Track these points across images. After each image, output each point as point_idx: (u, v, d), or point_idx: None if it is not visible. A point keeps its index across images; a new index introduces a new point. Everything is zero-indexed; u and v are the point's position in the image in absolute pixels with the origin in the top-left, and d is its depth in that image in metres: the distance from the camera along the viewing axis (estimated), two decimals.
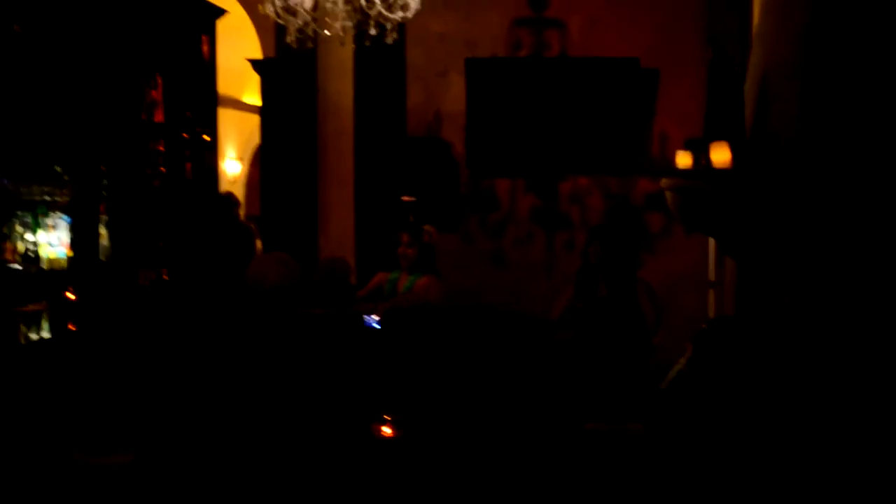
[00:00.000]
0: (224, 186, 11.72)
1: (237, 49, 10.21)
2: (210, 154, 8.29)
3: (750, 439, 3.99)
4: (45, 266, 7.18)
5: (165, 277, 7.57)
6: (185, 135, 7.81)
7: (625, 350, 6.36)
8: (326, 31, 6.53)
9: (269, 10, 6.46)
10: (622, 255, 6.96)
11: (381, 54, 8.24)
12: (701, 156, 5.57)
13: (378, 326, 6.21)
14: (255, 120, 11.67)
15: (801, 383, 4.22)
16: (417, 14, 6.58)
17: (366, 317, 6.35)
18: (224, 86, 8.98)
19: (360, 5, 6.33)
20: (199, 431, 4.80)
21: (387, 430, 4.40)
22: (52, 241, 7.25)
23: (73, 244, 7.35)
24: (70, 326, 6.29)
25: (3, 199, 7.22)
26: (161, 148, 7.67)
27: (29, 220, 7.26)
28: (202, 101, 8.15)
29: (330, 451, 4.49)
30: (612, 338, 6.45)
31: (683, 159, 5.79)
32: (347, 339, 5.38)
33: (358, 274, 9.12)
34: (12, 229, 7.29)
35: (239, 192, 13.80)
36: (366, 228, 9.48)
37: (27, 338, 6.07)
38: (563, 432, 4.52)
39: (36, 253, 7.17)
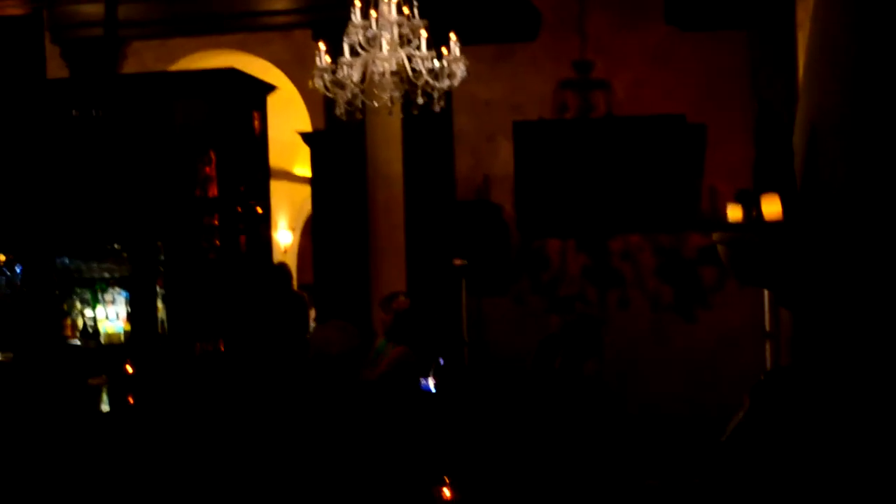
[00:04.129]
0: (277, 256, 11.85)
1: (287, 122, 10.39)
2: (263, 226, 8.40)
3: (809, 494, 3.94)
4: (103, 340, 7.30)
5: (222, 348, 7.64)
6: (238, 208, 7.92)
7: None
8: (375, 102, 6.64)
9: (319, 84, 6.59)
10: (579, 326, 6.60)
11: (428, 122, 8.33)
12: (752, 208, 5.57)
13: (434, 390, 6.22)
14: (306, 190, 11.82)
15: (861, 435, 4.16)
16: (463, 82, 6.68)
17: (422, 380, 6.37)
18: (275, 158, 9.12)
19: (408, 76, 6.45)
20: (259, 498, 4.82)
21: (446, 492, 4.39)
22: (111, 316, 7.39)
23: (131, 318, 7.47)
24: (129, 399, 6.37)
25: (63, 277, 7.38)
26: (216, 222, 7.78)
27: (88, 296, 7.42)
28: (255, 174, 8.27)
29: None
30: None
31: (734, 212, 5.78)
32: (405, 402, 5.40)
33: None
34: (72, 306, 7.45)
35: (291, 262, 13.95)
36: (418, 294, 9.52)
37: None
38: (624, 489, 4.49)
39: (95, 328, 7.30)
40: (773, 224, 5.39)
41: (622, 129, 9.62)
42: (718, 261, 6.21)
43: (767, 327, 7.72)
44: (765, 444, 4.15)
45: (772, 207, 5.42)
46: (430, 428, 5.16)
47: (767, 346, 7.73)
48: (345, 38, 6.50)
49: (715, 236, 6.05)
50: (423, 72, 6.46)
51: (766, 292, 7.92)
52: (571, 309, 7.44)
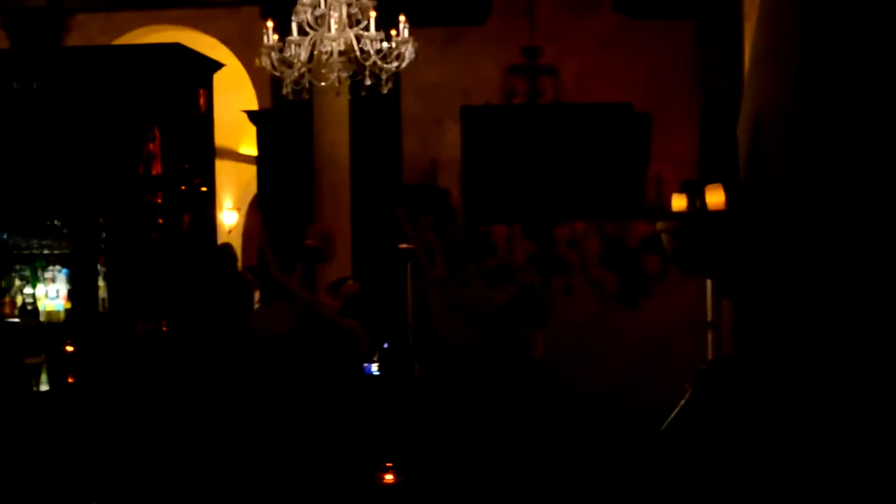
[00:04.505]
0: (221, 237, 11.75)
1: (234, 101, 10.29)
2: (207, 205, 8.32)
3: (749, 480, 3.99)
4: (43, 319, 7.20)
5: (164, 328, 7.57)
6: (182, 187, 7.84)
7: None
8: (322, 83, 6.59)
9: (266, 62, 6.52)
10: None
11: (376, 104, 8.28)
12: (696, 198, 5.60)
13: (378, 373, 6.21)
14: (251, 170, 11.73)
15: (800, 423, 4.22)
16: (412, 64, 6.64)
17: (365, 365, 6.35)
18: (221, 137, 9.04)
19: (356, 56, 6.40)
20: (199, 478, 4.79)
21: (389, 477, 4.39)
22: (51, 294, 7.29)
23: (72, 296, 7.37)
24: (69, 378, 6.29)
25: (2, 253, 7.25)
26: (159, 200, 7.70)
27: (28, 273, 7.31)
28: (199, 153, 8.19)
29: (334, 499, 4.48)
30: None
31: (678, 202, 5.83)
32: (349, 386, 5.38)
33: None
34: (11, 283, 7.33)
35: (235, 242, 13.83)
36: (364, 277, 9.47)
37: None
38: (564, 478, 4.51)
39: (34, 306, 7.19)
40: (717, 214, 5.43)
41: (569, 116, 9.64)
42: (662, 250, 6.25)
43: (709, 317, 7.80)
44: (705, 432, 4.19)
45: (715, 198, 5.46)
46: (373, 412, 5.15)
47: (709, 336, 7.80)
48: (293, 17, 6.44)
49: (659, 225, 6.09)
50: (372, 53, 6.41)
51: (708, 282, 8.02)
52: (513, 280, 7.45)
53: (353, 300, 7.26)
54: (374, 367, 6.32)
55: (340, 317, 6.95)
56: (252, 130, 10.28)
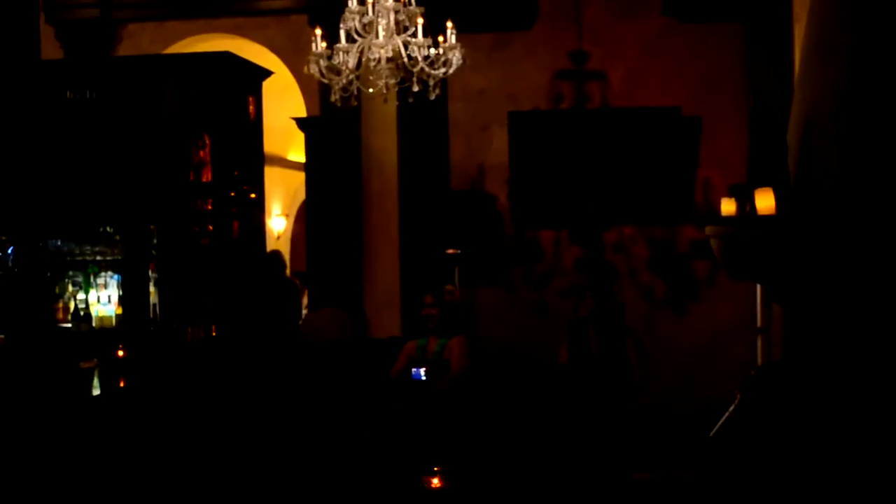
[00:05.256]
0: (270, 243, 11.84)
1: (282, 108, 10.37)
2: (257, 212, 8.38)
3: (799, 487, 3.95)
4: (95, 324, 7.29)
5: (214, 334, 7.63)
6: (232, 193, 7.91)
7: (611, 401, 6.58)
8: (370, 89, 6.62)
9: (314, 69, 6.56)
10: (611, 310, 7.41)
11: (423, 110, 8.31)
12: (745, 202, 5.57)
13: (425, 378, 6.22)
14: (300, 177, 11.79)
15: (850, 430, 4.17)
16: (459, 70, 6.65)
17: (413, 370, 6.36)
18: (270, 144, 9.10)
19: (403, 63, 6.42)
20: (250, 482, 4.83)
21: (436, 482, 4.39)
22: (103, 300, 7.38)
23: (124, 302, 7.46)
24: (121, 383, 6.36)
25: (55, 259, 7.36)
26: (209, 206, 7.77)
27: (80, 279, 7.41)
28: (249, 159, 8.25)
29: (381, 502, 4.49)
30: (601, 390, 6.68)
31: (728, 206, 5.79)
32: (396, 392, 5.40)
33: (403, 328, 9.13)
34: (64, 289, 7.44)
35: (284, 248, 13.93)
36: (411, 282, 9.52)
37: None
38: (611, 482, 4.50)
39: (87, 311, 7.29)
40: (767, 218, 5.39)
41: (617, 121, 9.61)
42: (711, 254, 6.21)
43: (759, 322, 7.72)
44: (755, 438, 4.16)
45: (765, 202, 5.42)
46: (421, 417, 5.16)
47: (759, 342, 7.73)
48: (341, 24, 6.47)
49: (708, 230, 6.05)
50: (419, 59, 6.43)
51: (757, 287, 7.95)
52: (610, 295, 7.79)
53: (453, 309, 7.31)
54: (422, 372, 6.33)
55: (442, 335, 6.96)
56: (300, 137, 10.35)
